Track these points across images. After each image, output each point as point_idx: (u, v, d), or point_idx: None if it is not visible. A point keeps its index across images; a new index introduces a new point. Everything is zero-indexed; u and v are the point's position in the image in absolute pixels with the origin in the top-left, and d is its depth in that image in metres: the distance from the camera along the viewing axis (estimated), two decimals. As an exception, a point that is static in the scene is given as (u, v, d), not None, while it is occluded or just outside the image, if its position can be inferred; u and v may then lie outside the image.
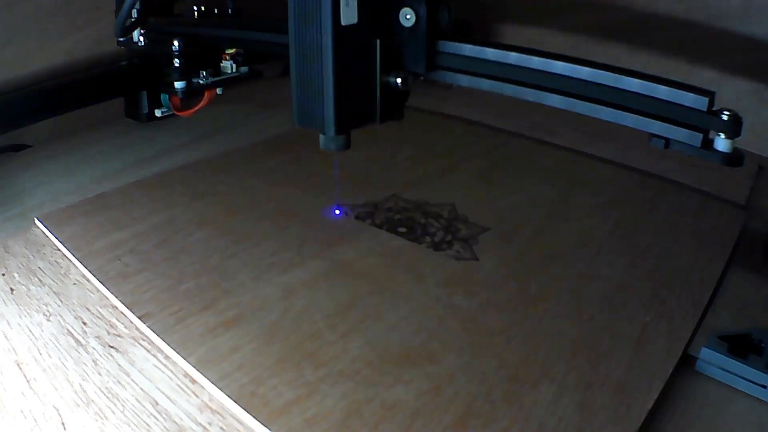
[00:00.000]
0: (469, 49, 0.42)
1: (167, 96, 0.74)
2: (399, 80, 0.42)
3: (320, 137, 0.43)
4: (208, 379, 0.36)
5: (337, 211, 0.54)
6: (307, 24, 0.39)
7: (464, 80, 0.43)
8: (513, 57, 0.41)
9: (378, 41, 0.41)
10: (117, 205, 0.56)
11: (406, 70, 0.43)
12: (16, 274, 0.48)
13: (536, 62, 0.40)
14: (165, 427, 0.34)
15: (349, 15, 0.39)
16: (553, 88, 0.40)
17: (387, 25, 0.42)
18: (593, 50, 0.82)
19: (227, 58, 0.73)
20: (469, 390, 0.36)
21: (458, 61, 0.43)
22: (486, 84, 0.42)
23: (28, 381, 0.38)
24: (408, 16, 0.41)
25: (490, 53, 0.42)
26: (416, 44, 0.42)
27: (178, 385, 0.37)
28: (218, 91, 0.73)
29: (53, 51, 0.73)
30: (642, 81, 0.37)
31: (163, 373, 0.38)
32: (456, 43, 0.42)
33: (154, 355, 0.40)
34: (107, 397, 0.36)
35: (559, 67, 0.39)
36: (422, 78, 0.44)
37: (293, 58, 0.41)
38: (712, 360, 0.38)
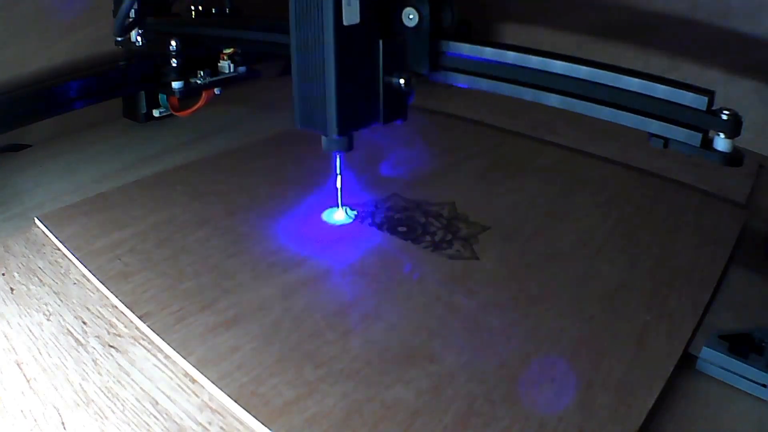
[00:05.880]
0: (470, 49, 0.42)
1: (165, 96, 0.74)
2: (402, 81, 0.41)
3: (323, 139, 0.42)
4: (208, 378, 0.36)
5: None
6: (308, 24, 0.39)
7: (467, 81, 0.43)
8: (512, 56, 0.41)
9: (381, 42, 0.41)
10: (117, 204, 0.56)
11: (409, 70, 0.43)
12: (16, 274, 0.48)
13: (535, 61, 0.40)
14: (165, 426, 0.34)
15: (351, 15, 0.38)
16: (552, 88, 0.40)
17: (389, 25, 0.42)
18: (593, 50, 0.82)
19: (225, 57, 0.73)
20: (470, 390, 0.36)
21: (461, 61, 0.42)
22: (486, 84, 0.42)
23: (28, 381, 0.38)
24: (411, 16, 0.41)
25: (490, 52, 0.41)
26: (419, 44, 0.42)
27: (178, 385, 0.37)
28: (216, 91, 0.73)
29: (53, 51, 0.73)
30: (641, 80, 0.37)
31: (163, 372, 0.38)
32: (459, 43, 0.42)
33: (154, 355, 0.40)
34: (107, 397, 0.36)
35: (558, 66, 0.39)
36: (426, 78, 0.43)
37: (294, 59, 0.41)
38: (713, 359, 0.38)
